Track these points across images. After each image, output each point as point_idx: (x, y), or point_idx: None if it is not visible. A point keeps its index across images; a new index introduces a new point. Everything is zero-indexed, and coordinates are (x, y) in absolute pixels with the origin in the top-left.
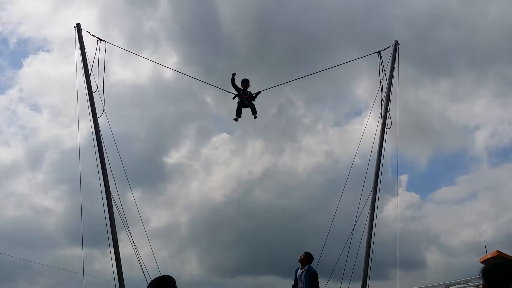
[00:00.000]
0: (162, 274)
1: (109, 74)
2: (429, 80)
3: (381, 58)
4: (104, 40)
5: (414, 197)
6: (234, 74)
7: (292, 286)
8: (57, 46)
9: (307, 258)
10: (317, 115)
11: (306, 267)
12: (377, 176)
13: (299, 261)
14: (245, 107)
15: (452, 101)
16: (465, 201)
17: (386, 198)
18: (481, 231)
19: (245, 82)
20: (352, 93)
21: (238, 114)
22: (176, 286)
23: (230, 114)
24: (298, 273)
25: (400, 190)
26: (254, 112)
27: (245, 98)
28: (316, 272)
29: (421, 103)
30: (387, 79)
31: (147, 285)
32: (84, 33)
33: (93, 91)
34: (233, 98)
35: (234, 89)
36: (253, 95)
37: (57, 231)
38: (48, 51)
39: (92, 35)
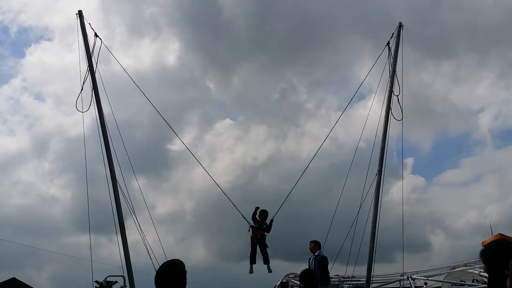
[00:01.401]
0: (170, 259)
1: (111, 62)
2: (432, 63)
3: (390, 50)
4: (99, 38)
5: (419, 180)
6: (257, 208)
7: None
8: (59, 34)
9: (316, 245)
10: (320, 100)
11: (316, 253)
12: (382, 159)
13: (310, 250)
14: (257, 243)
15: (454, 84)
16: (470, 184)
17: (391, 182)
18: (486, 214)
19: (263, 215)
20: (355, 77)
21: (253, 261)
22: (186, 270)
23: (232, 100)
24: (310, 261)
25: (405, 173)
26: (266, 261)
27: (259, 234)
28: (326, 257)
29: (424, 86)
30: (391, 62)
31: (154, 270)
32: (86, 21)
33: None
34: (248, 231)
35: (253, 221)
36: (268, 226)
37: (64, 218)
38: (49, 39)
39: (92, 29)
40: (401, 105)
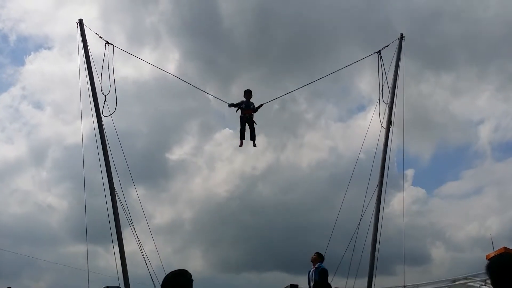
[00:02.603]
0: (172, 270)
1: (107, 71)
2: (431, 74)
3: (381, 58)
4: (112, 44)
5: (420, 191)
6: (229, 105)
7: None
8: (59, 43)
9: (319, 257)
10: (320, 111)
11: (317, 265)
12: (383, 171)
13: (311, 261)
14: (246, 122)
15: (454, 96)
16: (470, 196)
17: (392, 193)
18: (487, 226)
19: (248, 93)
20: (355, 88)
21: (242, 136)
22: (192, 280)
23: (232, 110)
24: (310, 272)
25: (406, 185)
26: (253, 137)
27: (247, 114)
28: (326, 269)
29: (423, 98)
30: (393, 72)
31: (151, 281)
32: (86, 30)
33: (104, 94)
34: (236, 111)
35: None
36: (256, 108)
37: (61, 228)
38: (49, 48)
39: (101, 38)
40: (392, 115)
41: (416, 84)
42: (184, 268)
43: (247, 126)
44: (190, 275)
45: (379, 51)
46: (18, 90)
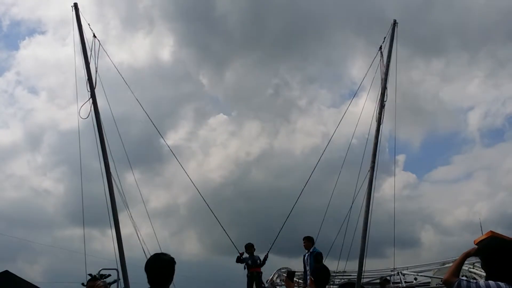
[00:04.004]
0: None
1: (105, 56)
2: (421, 61)
3: (382, 54)
4: (97, 39)
5: (410, 176)
6: (241, 254)
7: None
8: (52, 27)
9: (309, 241)
10: (313, 96)
11: (311, 250)
12: (374, 156)
13: (304, 248)
14: (254, 281)
15: (444, 82)
16: (460, 181)
17: (383, 178)
18: (475, 210)
19: (250, 248)
20: (348, 73)
21: None
22: (175, 261)
23: (226, 95)
24: (305, 257)
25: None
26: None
27: (255, 272)
28: (321, 252)
29: (414, 84)
30: (385, 58)
31: None
32: (84, 19)
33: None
34: (244, 268)
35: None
36: (262, 262)
37: (57, 212)
38: (42, 33)
39: (91, 30)
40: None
41: (406, 70)
42: (180, 252)
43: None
44: (171, 257)
45: (380, 46)
46: (13, 75)
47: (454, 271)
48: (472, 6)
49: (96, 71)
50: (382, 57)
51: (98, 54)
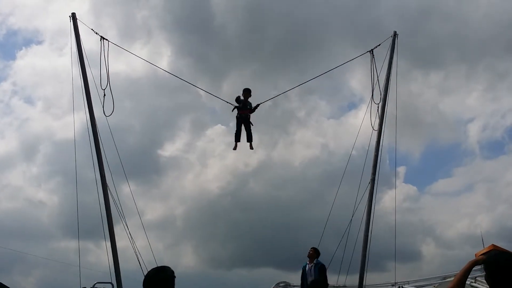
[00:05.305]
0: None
1: (103, 67)
2: (420, 73)
3: (373, 56)
4: (107, 39)
5: (411, 189)
6: (239, 97)
7: (301, 280)
8: (49, 37)
9: (315, 253)
10: (312, 108)
11: (315, 261)
12: (375, 168)
13: (308, 256)
14: (242, 123)
15: (443, 94)
16: (461, 193)
17: (383, 190)
18: (476, 223)
19: (247, 92)
20: (347, 85)
21: (237, 138)
22: (174, 276)
23: (224, 106)
24: (307, 268)
25: (398, 182)
26: (249, 139)
27: (243, 114)
28: (325, 265)
29: (413, 96)
30: (386, 70)
31: (143, 276)
32: (79, 24)
33: (103, 88)
34: (232, 110)
35: (236, 103)
36: (253, 108)
37: (52, 223)
38: (39, 42)
39: (96, 33)
40: (385, 113)
41: (406, 83)
42: (176, 265)
43: (243, 128)
44: (172, 271)
45: (372, 50)
46: (9, 85)
47: (461, 279)
48: (470, 18)
49: (107, 71)
50: (374, 59)
51: (108, 54)
